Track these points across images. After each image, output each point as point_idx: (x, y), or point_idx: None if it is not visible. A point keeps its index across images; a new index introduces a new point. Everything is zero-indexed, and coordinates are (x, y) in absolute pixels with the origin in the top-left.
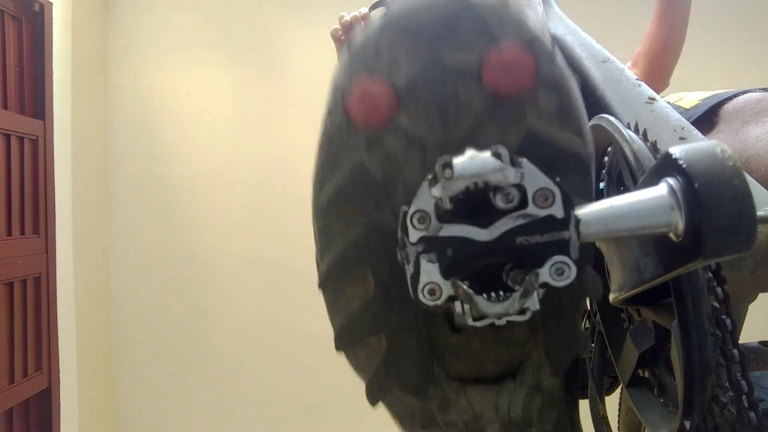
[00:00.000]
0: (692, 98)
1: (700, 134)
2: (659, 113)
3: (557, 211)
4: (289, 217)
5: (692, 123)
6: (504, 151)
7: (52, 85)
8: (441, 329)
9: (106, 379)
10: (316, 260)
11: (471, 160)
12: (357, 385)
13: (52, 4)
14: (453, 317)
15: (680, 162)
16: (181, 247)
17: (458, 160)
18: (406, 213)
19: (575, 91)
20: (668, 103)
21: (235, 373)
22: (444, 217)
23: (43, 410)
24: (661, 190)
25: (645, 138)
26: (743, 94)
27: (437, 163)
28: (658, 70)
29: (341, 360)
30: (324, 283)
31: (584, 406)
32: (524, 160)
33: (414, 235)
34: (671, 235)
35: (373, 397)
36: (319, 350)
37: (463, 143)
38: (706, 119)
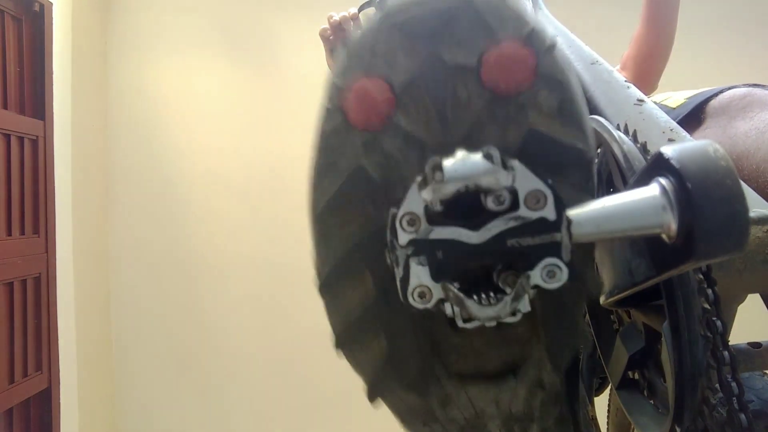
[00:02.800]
0: (678, 97)
1: (688, 136)
2: (648, 115)
3: (549, 213)
4: (288, 216)
5: (679, 122)
6: (495, 153)
7: (52, 85)
8: (442, 327)
9: (106, 379)
10: (315, 264)
11: (462, 163)
12: (357, 385)
13: (52, 4)
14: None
15: (672, 162)
16: (181, 247)
17: (448, 163)
18: (395, 215)
19: (576, 86)
20: (655, 103)
21: (236, 373)
22: (434, 219)
23: (43, 410)
24: (653, 190)
25: (635, 139)
26: (728, 90)
27: (427, 164)
28: (646, 74)
29: (341, 360)
30: (324, 288)
31: (601, 402)
32: (516, 162)
33: (403, 238)
34: (664, 236)
35: (373, 397)
36: (319, 349)
37: (463, 144)
38: (693, 117)
